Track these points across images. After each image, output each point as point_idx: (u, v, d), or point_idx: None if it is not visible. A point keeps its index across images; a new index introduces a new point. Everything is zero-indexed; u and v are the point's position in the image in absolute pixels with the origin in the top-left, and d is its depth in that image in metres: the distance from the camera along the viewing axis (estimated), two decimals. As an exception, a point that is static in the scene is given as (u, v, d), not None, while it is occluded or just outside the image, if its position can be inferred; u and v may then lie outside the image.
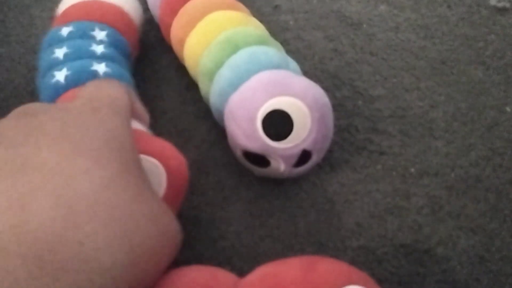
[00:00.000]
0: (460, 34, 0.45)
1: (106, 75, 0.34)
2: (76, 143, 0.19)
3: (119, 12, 0.38)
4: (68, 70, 0.33)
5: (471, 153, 0.37)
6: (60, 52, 0.34)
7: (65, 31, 0.35)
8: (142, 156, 0.25)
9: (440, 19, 0.46)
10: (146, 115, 0.30)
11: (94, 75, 0.33)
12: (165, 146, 0.28)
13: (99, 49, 0.35)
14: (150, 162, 0.26)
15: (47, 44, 0.36)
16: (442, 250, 0.32)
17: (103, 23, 0.37)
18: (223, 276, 0.23)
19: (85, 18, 0.36)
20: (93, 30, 0.36)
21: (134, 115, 0.27)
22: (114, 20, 0.38)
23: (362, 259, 0.32)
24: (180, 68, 0.42)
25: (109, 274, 0.17)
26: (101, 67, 0.34)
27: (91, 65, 0.33)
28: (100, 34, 0.36)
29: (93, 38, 0.36)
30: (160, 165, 0.26)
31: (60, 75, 0.33)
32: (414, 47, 0.44)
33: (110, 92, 0.23)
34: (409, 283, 0.30)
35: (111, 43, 0.37)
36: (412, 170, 0.36)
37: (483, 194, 0.35)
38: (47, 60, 0.34)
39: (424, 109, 0.40)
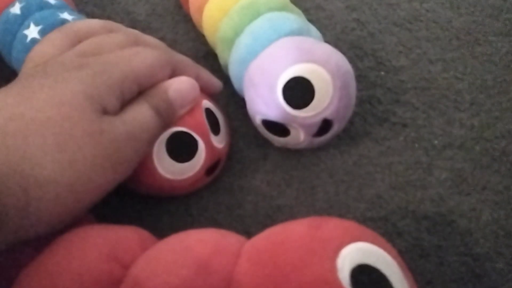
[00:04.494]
0: (487, 5, 0.44)
1: None
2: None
3: None
4: (36, 24, 0.32)
5: (496, 126, 0.36)
6: (16, 9, 0.34)
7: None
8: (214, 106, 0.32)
9: (467, -11, 0.45)
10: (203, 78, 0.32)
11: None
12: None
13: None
14: (218, 111, 0.32)
15: (32, 5, 0.35)
16: (465, 223, 0.31)
17: None
18: (232, 236, 0.22)
19: None
20: (69, 6, 0.36)
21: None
22: None
23: (382, 231, 0.31)
24: (198, 37, 0.41)
25: None
26: (66, 15, 0.33)
27: (58, 15, 0.33)
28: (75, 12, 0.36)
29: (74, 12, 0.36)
30: (222, 113, 0.33)
31: (33, 32, 0.32)
32: (439, 18, 0.43)
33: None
34: (430, 255, 0.30)
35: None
36: (436, 142, 0.35)
37: (509, 168, 0.33)
38: (52, 17, 0.34)
39: (449, 81, 0.38)
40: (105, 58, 0.27)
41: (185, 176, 0.30)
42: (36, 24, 0.33)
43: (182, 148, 0.29)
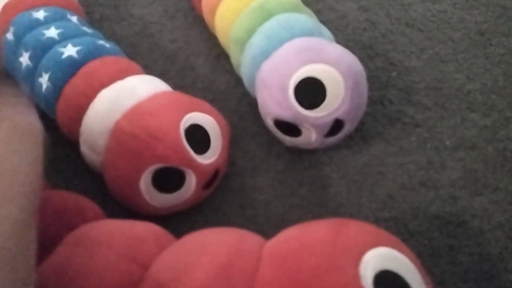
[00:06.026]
0: (499, 5, 0.44)
1: (111, 49, 0.34)
2: None
3: None
4: (26, 50, 0.33)
5: (509, 126, 0.36)
6: (10, 34, 0.34)
7: (40, 15, 0.35)
8: (202, 115, 0.31)
9: (479, -10, 0.45)
10: None
11: (103, 49, 0.34)
12: (214, 109, 0.33)
13: (87, 29, 0.36)
14: (208, 119, 0.31)
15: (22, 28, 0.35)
16: (477, 224, 0.31)
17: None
18: (251, 237, 0.23)
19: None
20: (65, 14, 0.36)
21: None
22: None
23: (394, 230, 0.31)
24: (211, 39, 0.42)
25: None
26: (52, 32, 0.34)
27: (43, 35, 0.33)
28: (73, 18, 0.37)
29: (70, 20, 0.36)
30: (216, 123, 0.31)
31: (25, 58, 0.33)
32: (451, 18, 0.43)
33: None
34: (441, 255, 0.30)
35: (82, 24, 0.37)
36: (448, 142, 0.35)
37: (521, 168, 0.33)
38: (37, 39, 0.33)
39: (461, 81, 0.38)
40: None
41: (180, 201, 0.30)
42: (26, 50, 0.33)
43: (168, 181, 0.29)
